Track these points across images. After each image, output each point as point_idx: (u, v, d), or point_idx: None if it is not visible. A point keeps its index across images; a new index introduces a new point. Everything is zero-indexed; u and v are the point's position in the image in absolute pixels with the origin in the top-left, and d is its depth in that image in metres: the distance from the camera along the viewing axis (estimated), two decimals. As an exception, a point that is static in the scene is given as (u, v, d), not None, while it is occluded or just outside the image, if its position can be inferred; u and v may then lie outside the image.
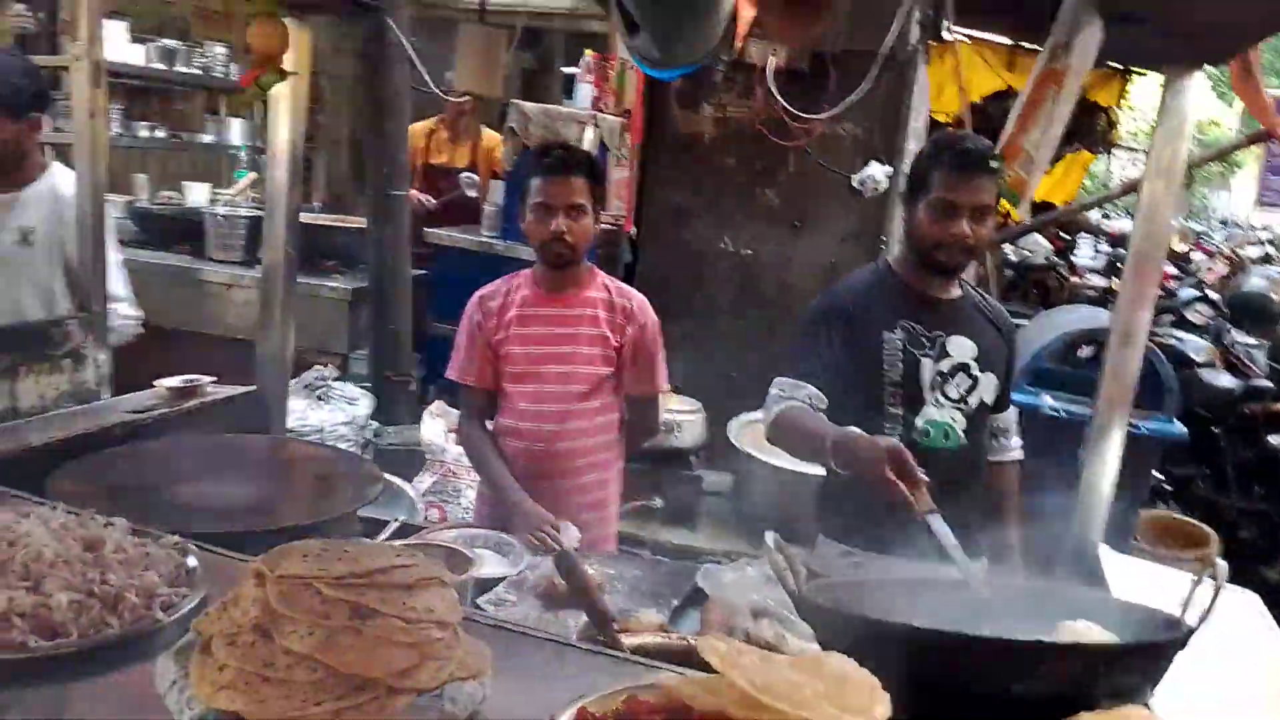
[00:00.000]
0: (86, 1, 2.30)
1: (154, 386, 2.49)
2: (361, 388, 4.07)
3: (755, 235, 4.39)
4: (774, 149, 4.21)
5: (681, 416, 4.14)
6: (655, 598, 2.15)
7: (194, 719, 1.04)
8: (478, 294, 2.64)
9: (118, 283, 2.75)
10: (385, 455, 3.84)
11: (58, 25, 6.15)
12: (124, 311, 2.72)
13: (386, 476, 3.13)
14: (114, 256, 2.85)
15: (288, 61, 2.20)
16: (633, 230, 4.73)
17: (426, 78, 2.24)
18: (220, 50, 6.25)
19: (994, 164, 2.14)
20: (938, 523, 1.71)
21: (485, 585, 2.12)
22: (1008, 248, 7.53)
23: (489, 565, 2.21)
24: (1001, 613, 1.45)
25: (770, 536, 1.55)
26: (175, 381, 2.51)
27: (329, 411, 3.82)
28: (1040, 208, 5.88)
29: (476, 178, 4.86)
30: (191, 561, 1.44)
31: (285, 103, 2.33)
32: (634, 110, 4.65)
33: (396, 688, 1.08)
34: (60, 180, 2.63)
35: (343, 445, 3.79)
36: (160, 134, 5.97)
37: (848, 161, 4.17)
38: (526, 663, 1.38)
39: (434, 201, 4.90)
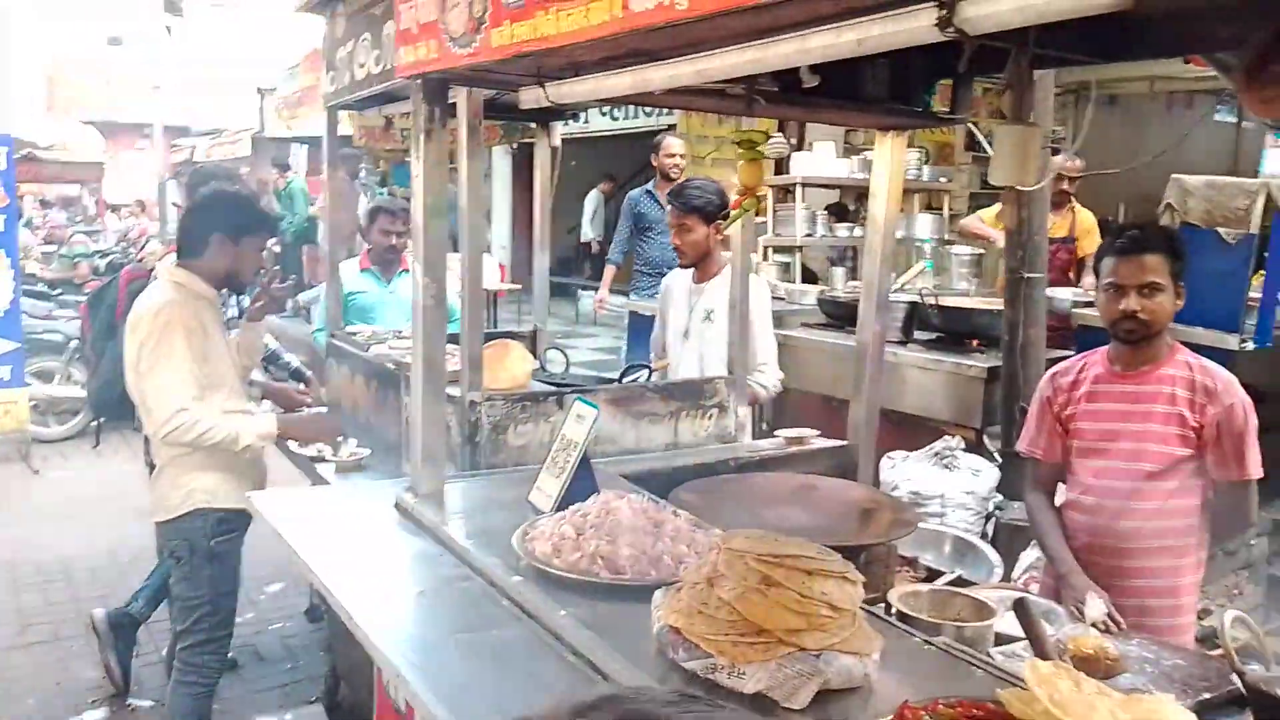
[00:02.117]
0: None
1: (774, 436, 3.16)
2: (989, 462, 4.27)
3: None
4: None
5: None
6: (1184, 688, 2.03)
7: (658, 629, 1.54)
8: (1051, 370, 2.75)
9: (768, 351, 3.49)
10: (1004, 528, 3.98)
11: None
12: (769, 374, 3.44)
13: (972, 539, 3.35)
14: (767, 331, 3.62)
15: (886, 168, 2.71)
16: (1322, 308, 4.09)
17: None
18: (911, 155, 7.05)
19: None
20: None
21: (1007, 640, 2.25)
22: None
23: (1013, 624, 2.32)
24: None
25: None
26: (789, 432, 3.14)
27: (952, 479, 4.11)
28: None
29: None
30: (723, 548, 1.95)
31: (880, 201, 2.79)
32: (1328, 173, 4.07)
33: (784, 640, 1.44)
34: (729, 277, 3.48)
35: (962, 513, 4.04)
36: (858, 232, 6.97)
37: None
38: (935, 672, 1.60)
39: None
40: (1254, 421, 2.45)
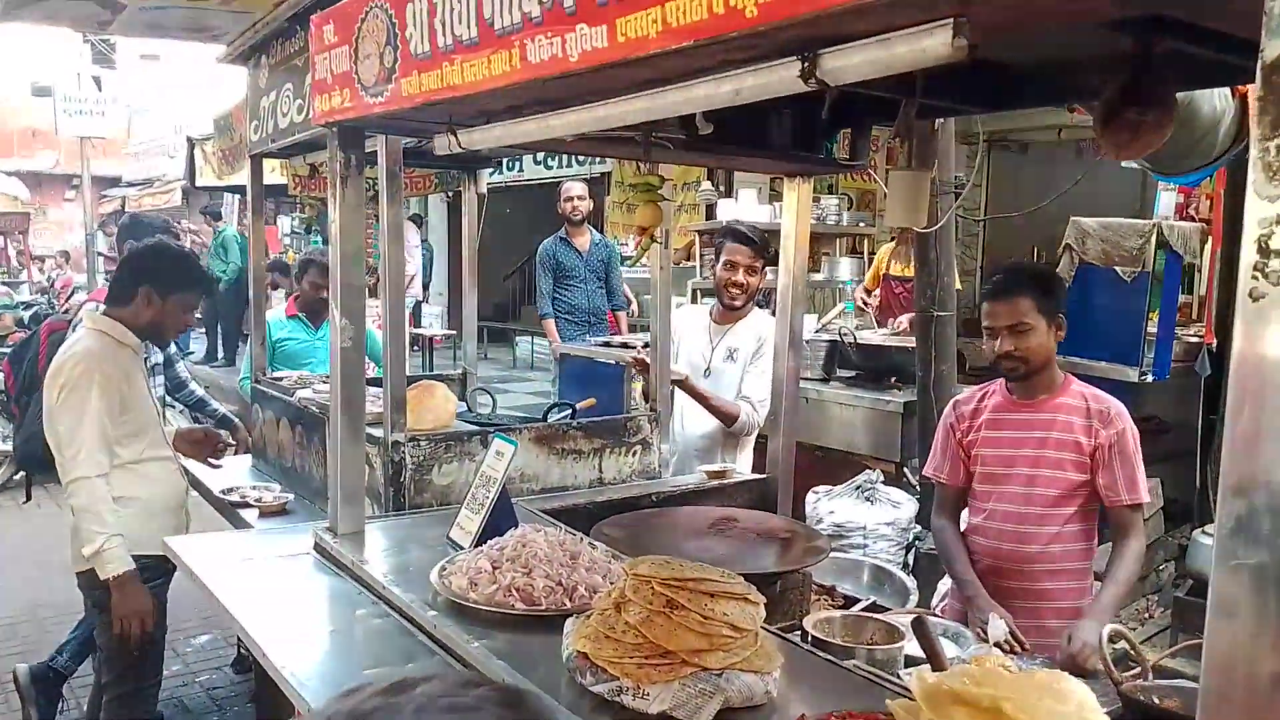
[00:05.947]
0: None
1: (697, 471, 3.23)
2: (909, 494, 4.39)
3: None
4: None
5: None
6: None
7: (567, 655, 1.58)
8: (954, 398, 2.87)
9: (760, 387, 3.46)
10: (924, 557, 4.09)
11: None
12: (754, 410, 3.47)
13: (890, 568, 3.44)
14: (764, 368, 3.60)
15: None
16: (1213, 342, 4.33)
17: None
18: (832, 202, 7.27)
19: None
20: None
21: (919, 661, 2.33)
22: None
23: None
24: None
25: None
26: (712, 467, 3.21)
27: (874, 511, 4.22)
28: None
29: None
30: (637, 579, 2.01)
31: (790, 244, 2.90)
32: (1214, 214, 4.32)
33: (687, 661, 1.49)
34: (758, 319, 3.64)
35: (883, 544, 4.15)
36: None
37: None
38: (842, 691, 1.66)
39: None
40: (1139, 449, 2.58)
